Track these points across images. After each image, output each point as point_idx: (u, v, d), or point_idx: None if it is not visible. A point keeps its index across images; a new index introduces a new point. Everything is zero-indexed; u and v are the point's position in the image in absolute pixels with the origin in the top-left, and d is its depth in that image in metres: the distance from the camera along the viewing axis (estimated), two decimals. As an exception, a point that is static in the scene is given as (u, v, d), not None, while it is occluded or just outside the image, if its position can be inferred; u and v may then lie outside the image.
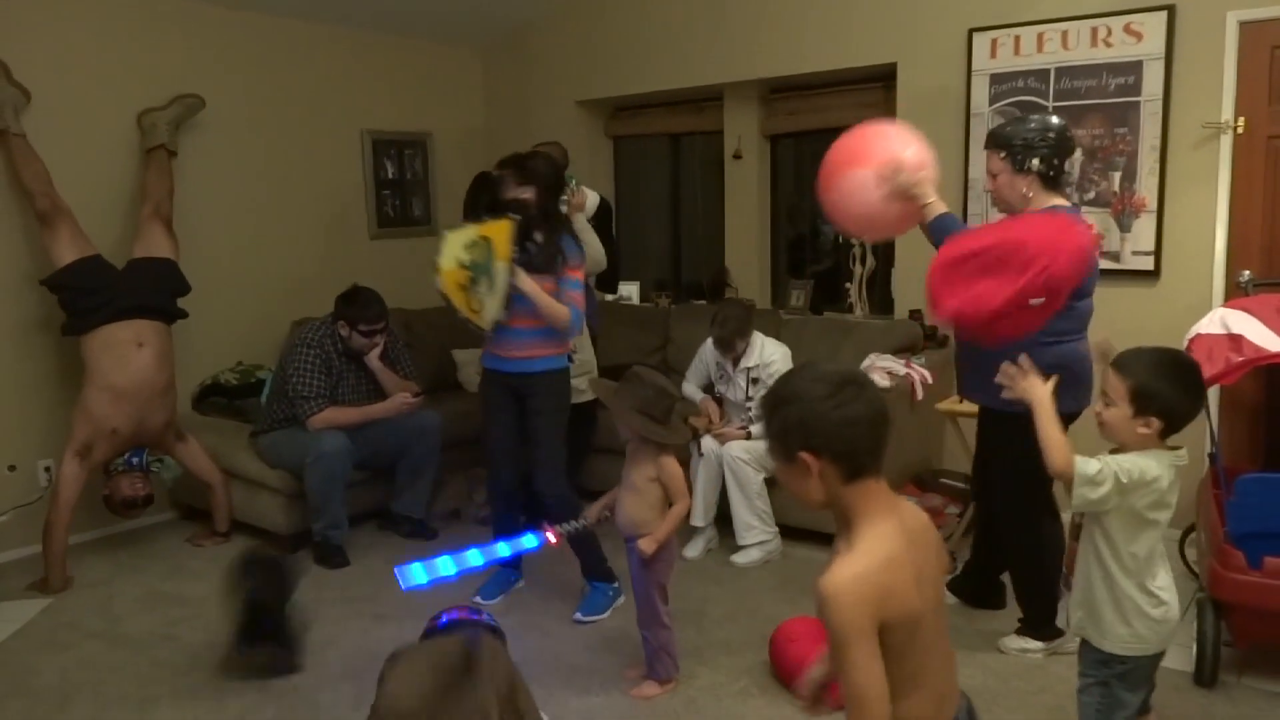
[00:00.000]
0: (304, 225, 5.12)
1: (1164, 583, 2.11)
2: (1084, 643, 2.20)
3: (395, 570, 2.70)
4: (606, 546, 3.46)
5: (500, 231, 3.23)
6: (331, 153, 5.25)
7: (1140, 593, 2.08)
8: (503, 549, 2.88)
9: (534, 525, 3.30)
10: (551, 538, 2.81)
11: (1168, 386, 2.00)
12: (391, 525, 4.36)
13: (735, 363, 4.01)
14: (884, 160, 2.87)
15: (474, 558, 2.78)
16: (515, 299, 3.26)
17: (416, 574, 2.64)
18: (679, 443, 2.92)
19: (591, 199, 4.40)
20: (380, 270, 5.15)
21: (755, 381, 3.97)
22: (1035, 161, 2.85)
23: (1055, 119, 2.97)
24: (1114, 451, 2.10)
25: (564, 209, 3.65)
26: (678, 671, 2.95)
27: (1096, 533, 2.09)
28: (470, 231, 3.32)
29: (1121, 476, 2.01)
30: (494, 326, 3.32)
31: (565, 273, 3.33)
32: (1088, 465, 2.03)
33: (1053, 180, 2.89)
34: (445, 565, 2.69)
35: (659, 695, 2.89)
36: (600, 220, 4.51)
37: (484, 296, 3.28)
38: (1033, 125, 2.90)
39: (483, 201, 3.55)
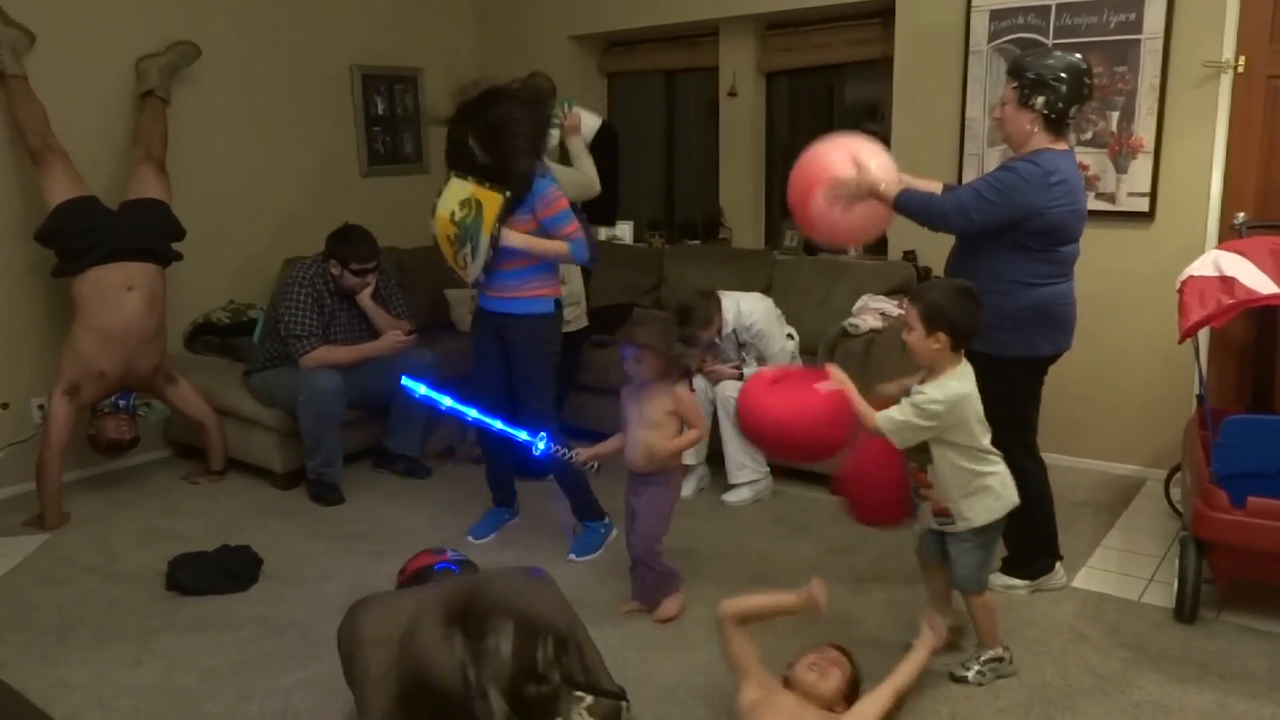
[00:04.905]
0: (294, 162, 5.06)
1: (994, 459, 2.55)
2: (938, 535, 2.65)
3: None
4: (608, 485, 3.48)
5: (492, 203, 3.22)
6: (321, 88, 5.15)
7: (989, 475, 2.53)
8: (496, 424, 3.21)
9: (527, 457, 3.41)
10: (540, 445, 3.06)
11: (949, 306, 2.44)
12: (386, 463, 4.39)
13: (718, 335, 3.97)
14: (824, 181, 2.83)
15: (471, 412, 3.26)
16: (504, 249, 3.26)
17: (418, 386, 3.43)
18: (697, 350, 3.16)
19: (589, 123, 4.31)
20: (371, 208, 5.10)
21: (743, 345, 3.96)
22: (1039, 100, 2.76)
23: (1080, 62, 2.81)
24: (923, 382, 2.51)
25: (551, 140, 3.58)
26: (682, 581, 3.07)
27: (948, 450, 2.49)
28: (469, 188, 3.28)
29: (921, 419, 2.42)
30: (475, 282, 3.37)
31: (540, 216, 3.27)
32: (890, 415, 2.47)
33: (1055, 123, 2.79)
34: (444, 400, 3.34)
35: (680, 610, 3.00)
36: (602, 146, 4.41)
37: (467, 257, 3.32)
38: (1050, 61, 2.78)
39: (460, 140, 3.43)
